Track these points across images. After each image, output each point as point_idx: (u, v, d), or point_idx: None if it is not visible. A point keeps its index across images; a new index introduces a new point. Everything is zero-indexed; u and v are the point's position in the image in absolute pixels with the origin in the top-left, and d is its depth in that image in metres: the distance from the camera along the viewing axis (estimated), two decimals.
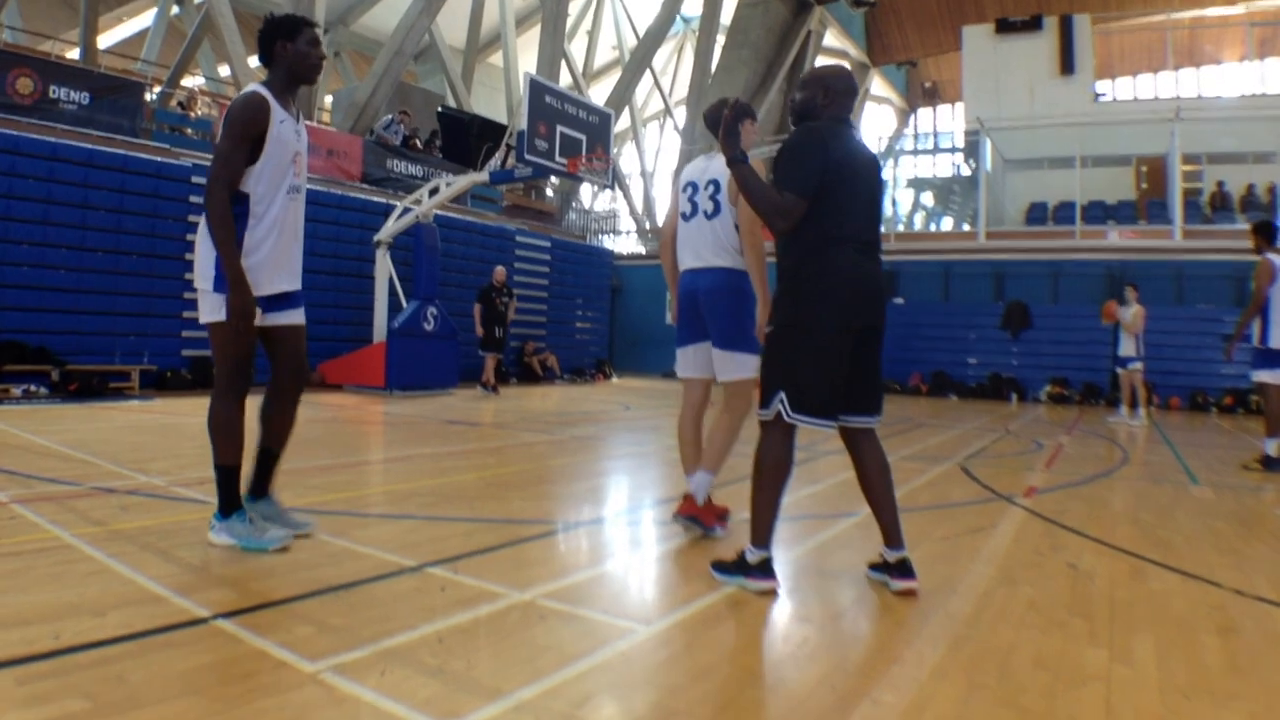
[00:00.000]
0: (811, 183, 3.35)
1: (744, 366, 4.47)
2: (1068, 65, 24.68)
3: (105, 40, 28.27)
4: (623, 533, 4.84)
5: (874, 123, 38.15)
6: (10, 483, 5.21)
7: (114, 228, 12.68)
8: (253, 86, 3.81)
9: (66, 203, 12.22)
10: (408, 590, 3.42)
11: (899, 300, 21.27)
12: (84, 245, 12.35)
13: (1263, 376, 8.31)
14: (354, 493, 5.70)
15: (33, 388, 11.08)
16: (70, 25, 25.90)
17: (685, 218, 4.62)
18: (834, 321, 3.38)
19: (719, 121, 4.12)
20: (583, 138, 13.01)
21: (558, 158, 12.48)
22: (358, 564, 3.76)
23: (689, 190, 4.60)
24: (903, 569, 3.60)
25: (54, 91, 12.80)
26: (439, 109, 20.44)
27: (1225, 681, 2.78)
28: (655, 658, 2.84)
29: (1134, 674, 2.82)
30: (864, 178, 3.52)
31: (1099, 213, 22.24)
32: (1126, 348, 13.78)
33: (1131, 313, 13.59)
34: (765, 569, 3.54)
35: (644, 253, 27.09)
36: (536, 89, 12.28)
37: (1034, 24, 25.29)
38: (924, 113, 38.67)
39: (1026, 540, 4.84)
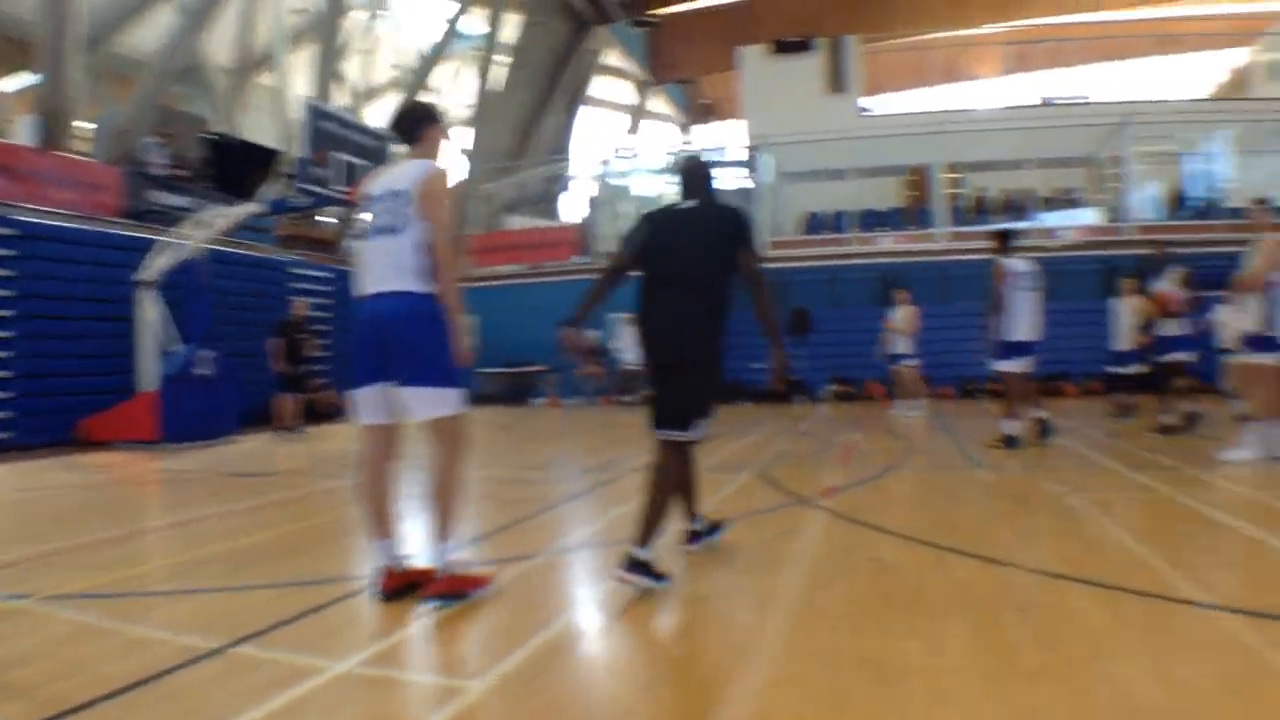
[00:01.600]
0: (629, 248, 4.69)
1: (446, 402, 4.12)
2: (838, 83, 26.56)
3: None
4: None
5: (656, 140, 39.50)
6: None
7: None
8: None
9: None
10: (215, 676, 3.23)
11: None
12: None
13: (1002, 366, 9.72)
14: (136, 569, 5.27)
15: None
16: None
17: (366, 235, 4.29)
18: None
19: (413, 124, 4.44)
20: (366, 164, 13.09)
21: (339, 186, 12.55)
22: (153, 653, 3.49)
23: (371, 204, 4.32)
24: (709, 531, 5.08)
25: None
26: (200, 134, 19.82)
27: (1032, 658, 3.14)
28: (495, 714, 2.90)
29: (950, 662, 3.11)
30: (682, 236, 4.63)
31: (871, 220, 24.58)
32: (900, 346, 15.10)
33: (901, 314, 14.88)
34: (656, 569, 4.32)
35: None
36: (314, 114, 12.42)
37: (806, 45, 27.13)
38: (702, 129, 40.43)
39: (832, 540, 5.22)
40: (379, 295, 4.18)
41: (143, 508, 8.24)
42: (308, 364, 15.00)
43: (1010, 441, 9.56)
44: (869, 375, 20.61)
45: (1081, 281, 20.57)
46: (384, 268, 4.18)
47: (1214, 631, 3.42)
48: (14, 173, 14.28)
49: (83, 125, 20.87)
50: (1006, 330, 9.60)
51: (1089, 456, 9.03)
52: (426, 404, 4.11)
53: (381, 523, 4.26)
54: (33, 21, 17.22)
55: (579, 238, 25.14)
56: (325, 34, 23.53)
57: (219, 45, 25.77)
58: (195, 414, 13.37)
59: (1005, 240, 9.92)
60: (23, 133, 17.64)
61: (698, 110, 39.58)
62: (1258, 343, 8.28)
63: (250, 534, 6.18)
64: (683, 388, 4.48)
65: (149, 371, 13.75)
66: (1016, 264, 9.66)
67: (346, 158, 12.76)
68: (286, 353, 14.41)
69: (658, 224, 4.71)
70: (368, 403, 4.24)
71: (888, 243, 22.65)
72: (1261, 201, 8.83)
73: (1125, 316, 12.65)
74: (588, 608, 4.08)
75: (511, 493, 7.77)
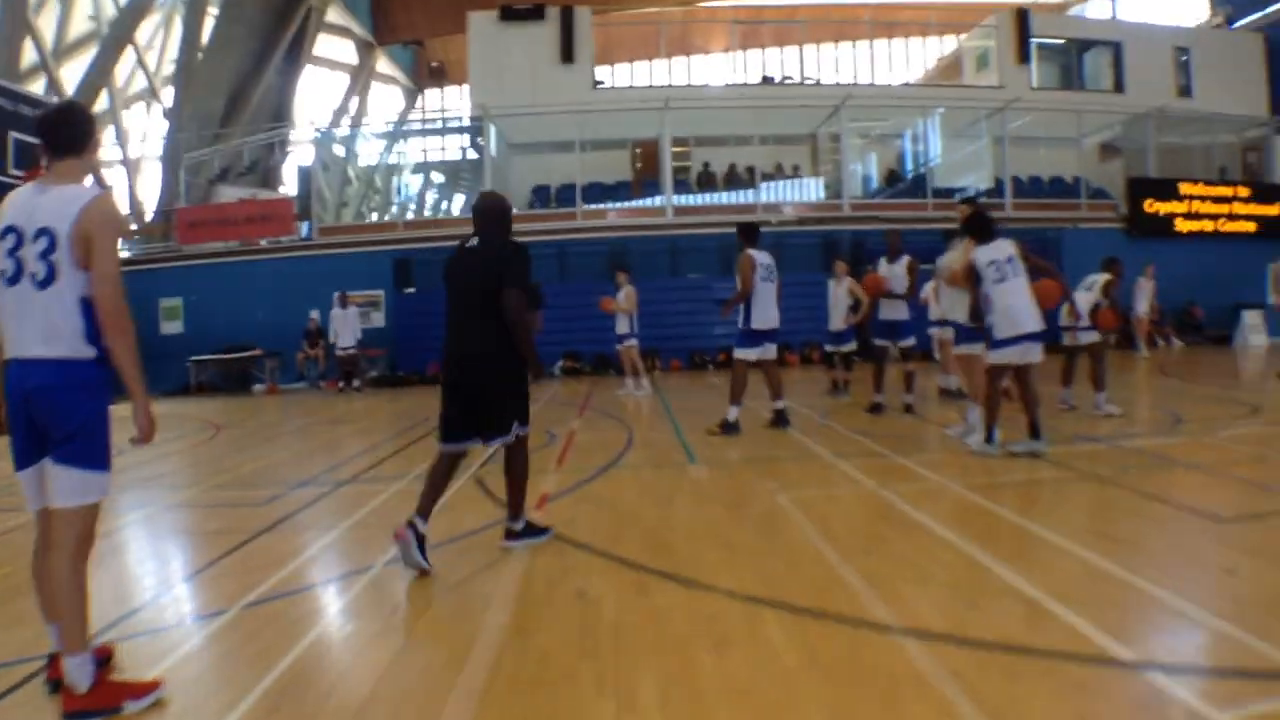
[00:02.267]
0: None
1: (91, 489, 3.42)
2: (568, 54, 26.69)
3: None
4: (135, 651, 4.00)
5: (382, 103, 38.44)
6: None
7: None
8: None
9: None
10: None
11: (410, 290, 22.06)
12: None
13: (740, 354, 10.09)
14: None
15: None
16: None
17: (4, 282, 3.37)
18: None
19: (73, 133, 3.45)
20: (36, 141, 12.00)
21: (12, 169, 11.52)
22: None
23: (7, 240, 3.35)
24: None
25: None
26: None
27: (725, 709, 3.10)
28: None
29: None
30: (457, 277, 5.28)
31: (598, 193, 24.87)
32: (621, 326, 15.38)
33: (623, 294, 15.13)
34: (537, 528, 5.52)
35: (134, 255, 25.49)
36: None
37: (537, 13, 27.13)
38: (434, 93, 39.56)
39: (540, 569, 5.02)
40: (25, 362, 3.35)
41: None
42: None
43: (729, 427, 9.95)
44: (600, 350, 20.96)
45: (802, 255, 21.63)
46: (29, 327, 3.33)
47: (905, 666, 3.45)
48: None
49: None
50: (748, 319, 10.00)
51: (803, 443, 9.26)
52: (71, 488, 3.37)
53: (54, 607, 3.49)
54: None
55: (296, 210, 24.03)
56: None
57: None
58: None
59: (749, 234, 10.26)
60: None
61: (426, 74, 38.62)
62: (968, 334, 8.73)
63: None
64: (487, 405, 5.18)
65: None
66: (761, 256, 10.05)
67: (19, 136, 11.70)
68: None
69: (451, 260, 5.36)
70: (29, 486, 3.48)
71: (615, 217, 23.03)
72: (967, 201, 9.46)
73: (838, 297, 13.23)
74: (291, 674, 3.67)
75: (210, 522, 7.20)
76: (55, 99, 14.11)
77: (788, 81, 28.98)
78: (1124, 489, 6.48)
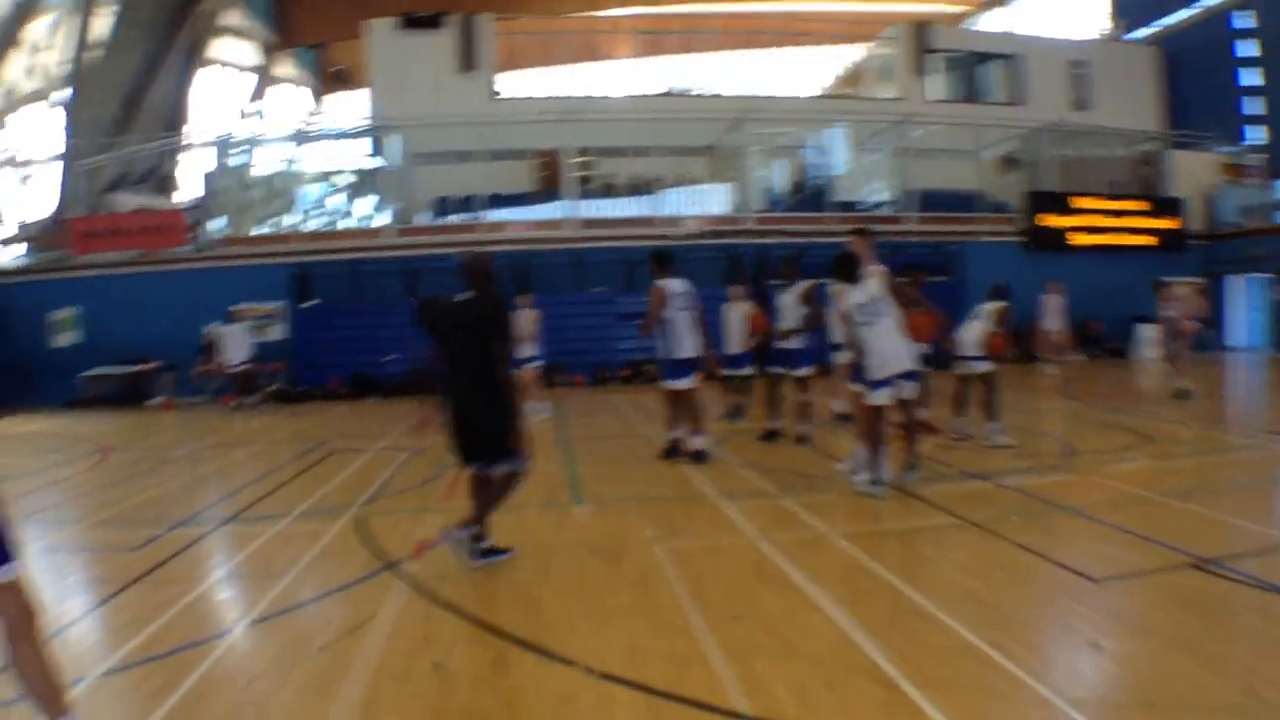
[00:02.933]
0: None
1: None
2: (469, 62, 26.62)
3: None
4: None
5: (288, 107, 37.80)
6: None
7: None
8: None
9: None
10: None
11: (312, 302, 21.82)
12: None
13: (671, 384, 10.10)
14: None
15: None
16: None
17: None
18: None
19: None
20: None
21: None
22: None
23: None
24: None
25: None
26: None
27: None
28: None
29: None
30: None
31: (500, 203, 24.80)
32: (523, 350, 15.30)
33: (523, 317, 15.08)
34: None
35: (24, 264, 24.89)
36: None
37: (435, 22, 26.97)
38: (340, 97, 38.98)
39: (403, 635, 4.90)
40: None
41: None
42: None
43: (699, 456, 10.05)
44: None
45: (704, 269, 21.68)
46: None
47: None
48: None
49: None
50: (670, 350, 9.97)
51: (691, 480, 9.22)
52: None
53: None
54: None
55: (191, 221, 23.56)
56: None
57: None
58: None
59: (663, 263, 10.10)
60: None
61: (330, 77, 38.09)
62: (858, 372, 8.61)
63: None
64: (488, 442, 6.12)
65: None
66: (674, 284, 9.95)
67: None
68: None
69: (440, 309, 6.26)
70: None
71: (517, 229, 23.01)
72: (862, 231, 8.97)
73: (734, 321, 13.20)
74: None
75: (78, 570, 6.88)
76: None
77: (689, 93, 29.23)
78: (1004, 540, 6.47)
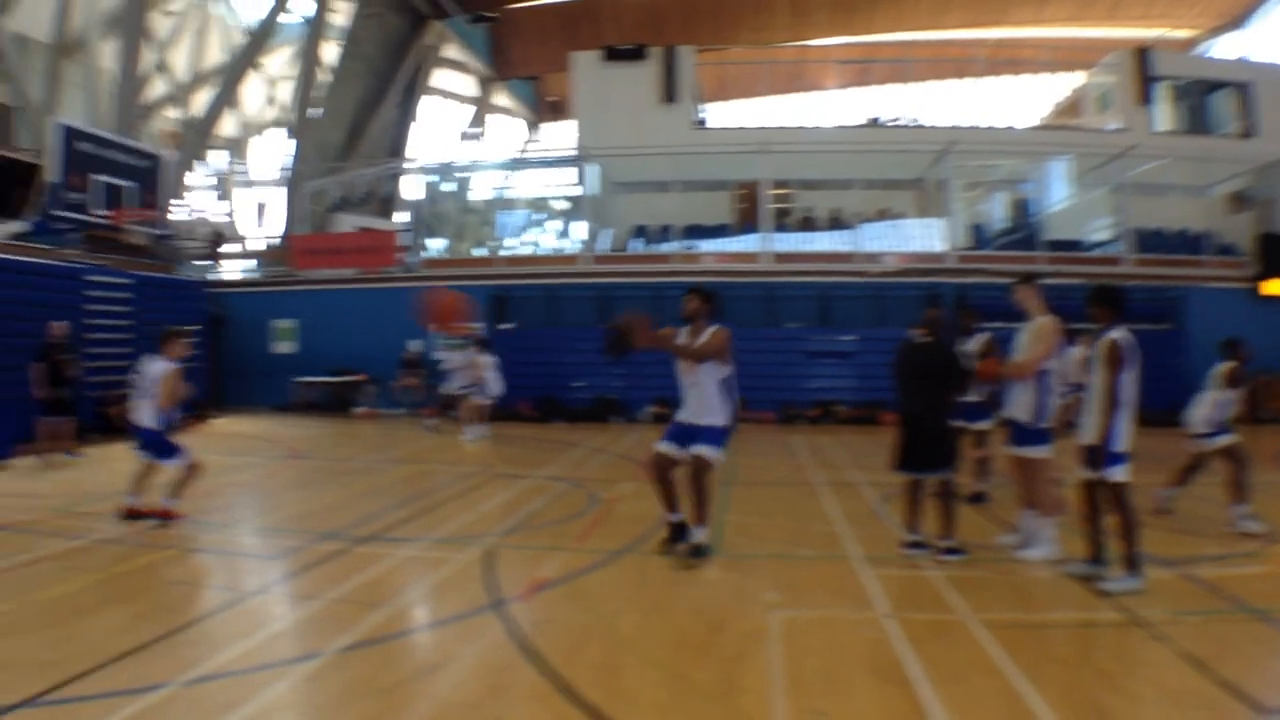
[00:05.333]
0: None
1: None
2: (670, 93, 26.80)
3: None
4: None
5: (505, 134, 39.09)
6: None
7: None
8: None
9: None
10: None
11: (509, 325, 22.31)
12: None
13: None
14: None
15: None
16: None
17: None
18: None
19: None
20: (133, 185, 12.62)
21: (99, 210, 12.10)
22: None
23: None
24: None
25: None
26: None
27: None
28: None
29: None
30: None
31: (698, 235, 24.71)
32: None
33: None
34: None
35: (254, 277, 26.70)
36: (68, 135, 11.98)
37: (639, 53, 27.29)
38: (554, 126, 40.03)
39: (472, 684, 4.79)
40: None
41: None
42: (71, 386, 14.17)
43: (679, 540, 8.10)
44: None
45: (904, 308, 21.15)
46: None
47: None
48: None
49: None
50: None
51: (841, 542, 8.38)
52: None
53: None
54: None
55: (403, 243, 24.74)
56: (131, 19, 22.73)
57: (33, 20, 24.84)
58: None
59: (708, 298, 8.13)
60: None
61: (545, 107, 39.28)
62: (1029, 435, 7.74)
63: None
64: (930, 453, 7.54)
65: None
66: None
67: (108, 179, 12.29)
68: (49, 376, 13.67)
69: (904, 349, 7.87)
70: None
71: (712, 261, 22.95)
72: (1028, 278, 7.95)
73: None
74: None
75: (217, 574, 7.37)
76: (147, 146, 15.16)
77: (894, 124, 28.54)
78: (1166, 646, 5.48)
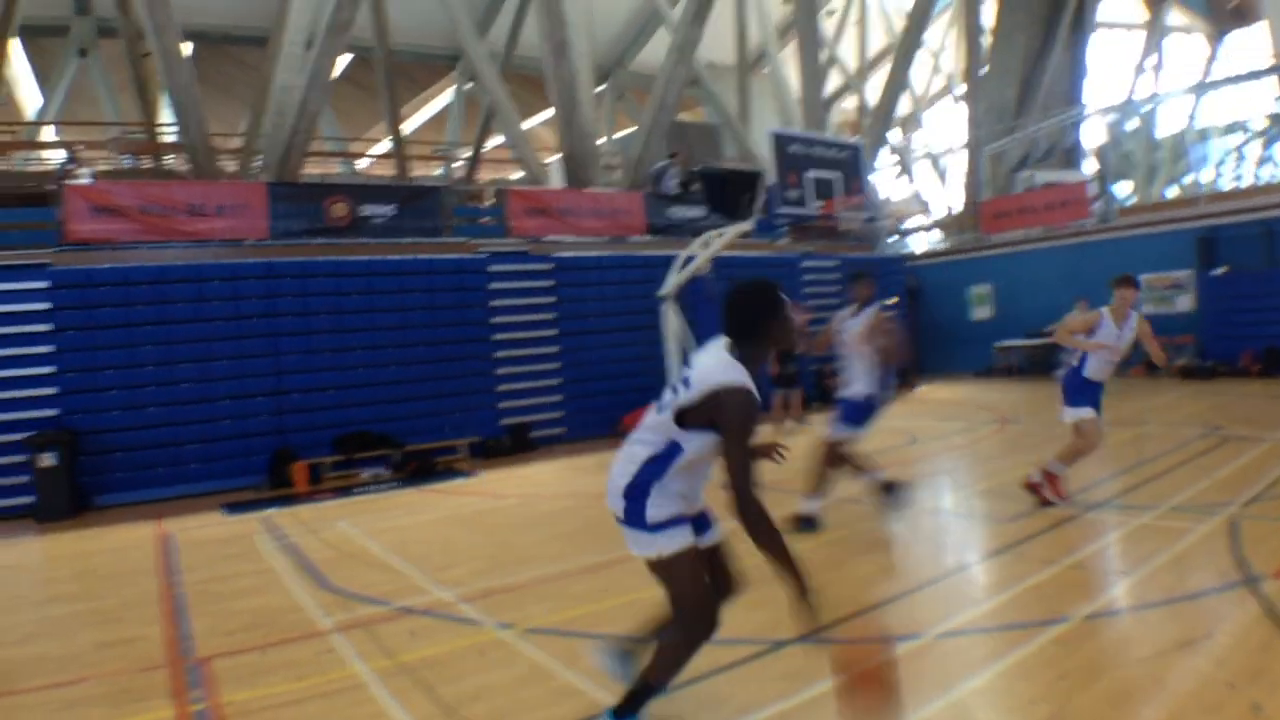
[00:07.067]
0: None
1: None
2: None
3: (411, 124, 32.18)
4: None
5: (1184, 56, 35.23)
6: (338, 606, 6.71)
7: (429, 323, 15.67)
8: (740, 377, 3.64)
9: (386, 309, 15.51)
10: None
11: (1220, 270, 20.39)
12: (406, 342, 15.43)
13: None
14: (597, 604, 6.19)
15: (380, 472, 14.18)
16: (377, 115, 29.34)
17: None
18: None
19: None
20: (836, 175, 13.75)
21: (813, 203, 13.36)
22: (571, 706, 4.42)
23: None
24: None
25: (364, 210, 15.82)
26: (696, 169, 20.90)
27: None
28: None
29: None
30: None
31: None
32: None
33: None
34: None
35: (944, 247, 27.52)
36: (779, 141, 13.39)
37: None
38: (1242, 34, 35.09)
39: (1232, 663, 4.38)
40: None
41: None
42: (797, 362, 16.10)
43: None
44: None
45: None
46: None
47: None
48: (549, 213, 17.22)
49: (602, 142, 23.83)
50: None
51: None
52: None
53: None
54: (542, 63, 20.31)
55: (1091, 194, 23.74)
56: (804, 24, 24.57)
57: (719, 48, 28.05)
58: None
59: None
60: (554, 174, 20.93)
61: (1226, 15, 34.58)
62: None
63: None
64: None
65: (672, 374, 15.71)
66: None
67: (815, 174, 13.53)
68: (780, 354, 15.58)
69: None
70: None
71: None
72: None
73: None
74: None
75: (948, 534, 8.00)
76: (847, 138, 16.51)
77: None
78: None
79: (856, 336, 8.34)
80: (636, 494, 3.76)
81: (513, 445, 15.84)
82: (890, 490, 8.15)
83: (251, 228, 14.82)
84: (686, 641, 3.82)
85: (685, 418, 3.67)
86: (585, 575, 7.20)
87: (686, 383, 3.72)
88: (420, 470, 14.28)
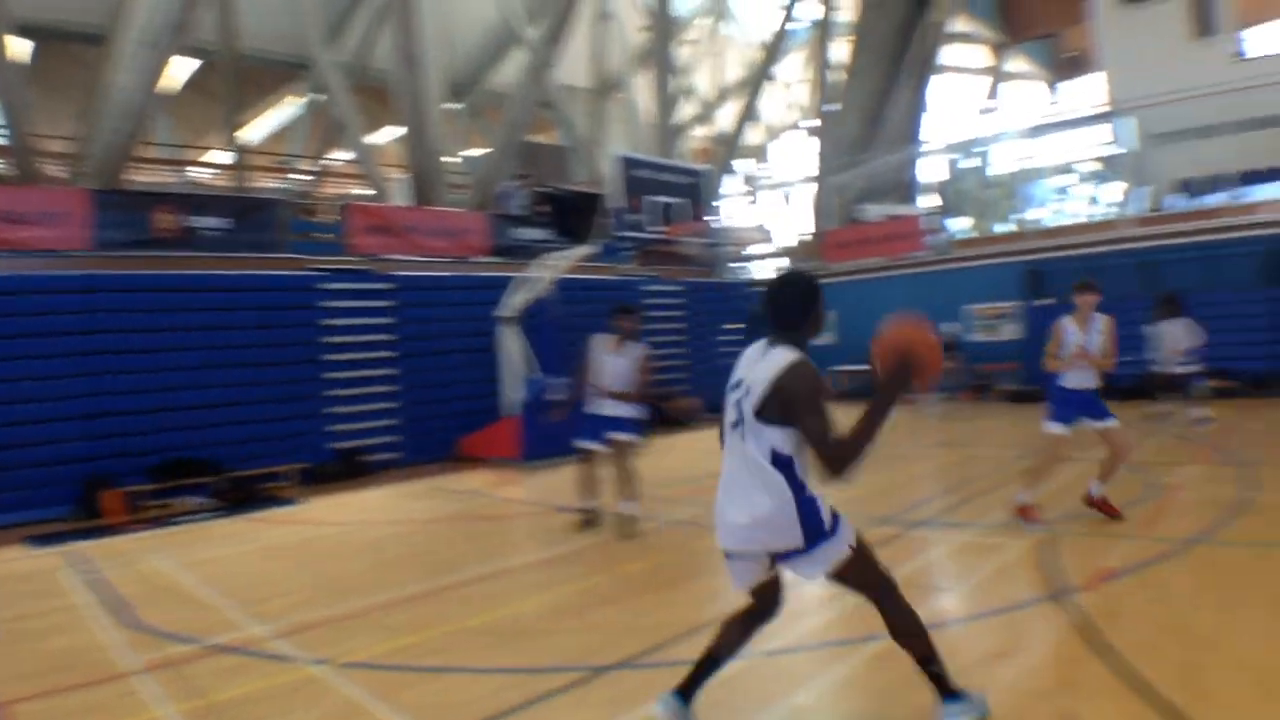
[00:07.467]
0: None
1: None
2: (1205, 26, 24.16)
3: (256, 133, 31.11)
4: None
5: (1021, 101, 37.23)
6: (147, 645, 6.32)
7: (259, 342, 15.02)
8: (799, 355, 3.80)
9: (214, 327, 14.71)
10: None
11: (1046, 301, 21.15)
12: (233, 362, 14.72)
13: None
14: (415, 636, 6.09)
15: (202, 500, 13.34)
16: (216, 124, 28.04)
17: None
18: None
19: None
20: (682, 201, 13.78)
21: (655, 227, 13.36)
22: None
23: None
24: None
25: (194, 221, 15.11)
26: (543, 190, 20.47)
27: None
28: None
29: None
30: None
31: (1255, 180, 21.93)
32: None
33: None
34: None
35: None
36: (625, 165, 13.38)
37: None
38: (1074, 84, 37.33)
39: (1042, 675, 4.68)
40: None
41: (459, 555, 9.06)
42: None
43: None
44: (1258, 366, 18.55)
45: None
46: None
47: None
48: (392, 230, 16.82)
49: (451, 160, 23.49)
50: None
51: None
52: None
53: None
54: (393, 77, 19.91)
55: (927, 227, 24.68)
56: (659, 53, 24.80)
57: (574, 71, 28.00)
58: (550, 436, 14.35)
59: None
60: (398, 191, 20.46)
61: (1063, 65, 36.75)
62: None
63: (538, 593, 7.05)
64: None
65: (512, 398, 15.99)
66: None
67: (660, 198, 13.53)
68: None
69: None
70: None
71: (1272, 211, 19.99)
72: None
73: None
74: None
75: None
76: (692, 164, 16.72)
77: None
78: None
79: (620, 374, 9.15)
80: (807, 509, 3.80)
81: (344, 470, 15.23)
82: (589, 524, 9.28)
83: (72, 237, 13.95)
84: (902, 607, 4.00)
85: (763, 417, 3.74)
86: (407, 605, 7.06)
87: (738, 386, 3.87)
88: (244, 498, 13.57)
